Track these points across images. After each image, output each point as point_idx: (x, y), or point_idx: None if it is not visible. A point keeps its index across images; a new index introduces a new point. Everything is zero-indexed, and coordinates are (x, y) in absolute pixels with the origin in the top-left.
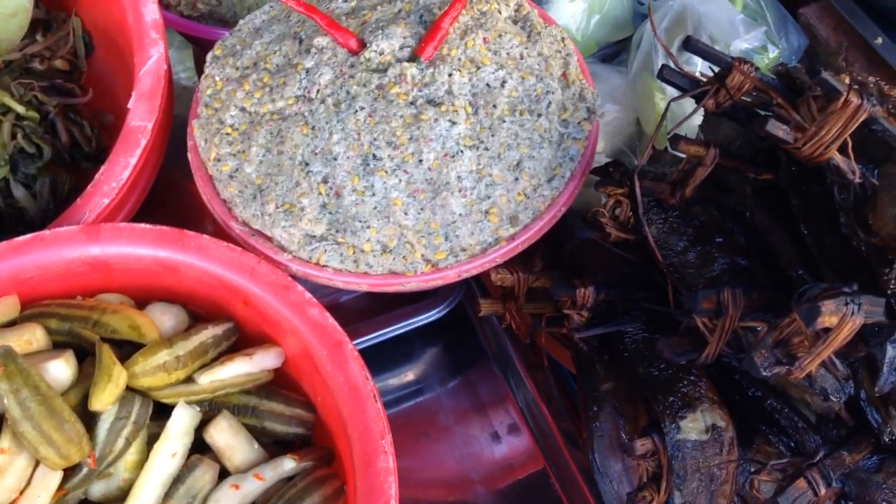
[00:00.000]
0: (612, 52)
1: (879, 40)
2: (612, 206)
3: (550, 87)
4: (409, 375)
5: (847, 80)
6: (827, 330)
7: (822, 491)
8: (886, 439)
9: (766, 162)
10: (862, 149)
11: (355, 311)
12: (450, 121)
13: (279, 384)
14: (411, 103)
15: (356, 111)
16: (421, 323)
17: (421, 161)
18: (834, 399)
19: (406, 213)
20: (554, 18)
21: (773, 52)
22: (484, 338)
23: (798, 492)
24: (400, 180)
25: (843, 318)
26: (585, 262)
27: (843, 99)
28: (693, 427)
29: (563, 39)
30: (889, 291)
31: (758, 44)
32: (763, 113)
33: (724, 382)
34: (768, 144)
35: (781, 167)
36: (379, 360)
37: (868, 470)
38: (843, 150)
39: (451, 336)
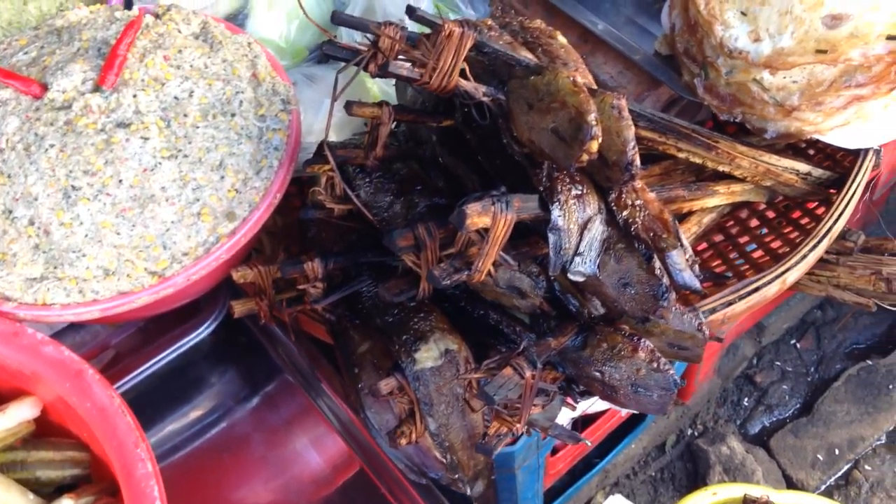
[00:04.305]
0: None
1: None
2: (326, 183)
3: (239, 87)
4: (205, 404)
5: (490, 20)
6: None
7: (528, 373)
8: (587, 317)
9: (445, 111)
10: (493, 73)
11: (128, 350)
12: (142, 137)
13: (47, 432)
14: (101, 130)
15: (46, 150)
16: (191, 343)
17: (121, 181)
18: (532, 295)
19: (118, 233)
20: (256, 28)
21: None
22: (272, 350)
23: (504, 378)
24: (104, 203)
25: (494, 216)
26: (322, 241)
27: (445, 31)
28: (428, 356)
29: (249, 44)
30: (541, 188)
31: (430, 13)
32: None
33: (455, 311)
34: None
35: (457, 112)
36: (166, 394)
37: (576, 349)
38: (465, 76)
39: (242, 356)
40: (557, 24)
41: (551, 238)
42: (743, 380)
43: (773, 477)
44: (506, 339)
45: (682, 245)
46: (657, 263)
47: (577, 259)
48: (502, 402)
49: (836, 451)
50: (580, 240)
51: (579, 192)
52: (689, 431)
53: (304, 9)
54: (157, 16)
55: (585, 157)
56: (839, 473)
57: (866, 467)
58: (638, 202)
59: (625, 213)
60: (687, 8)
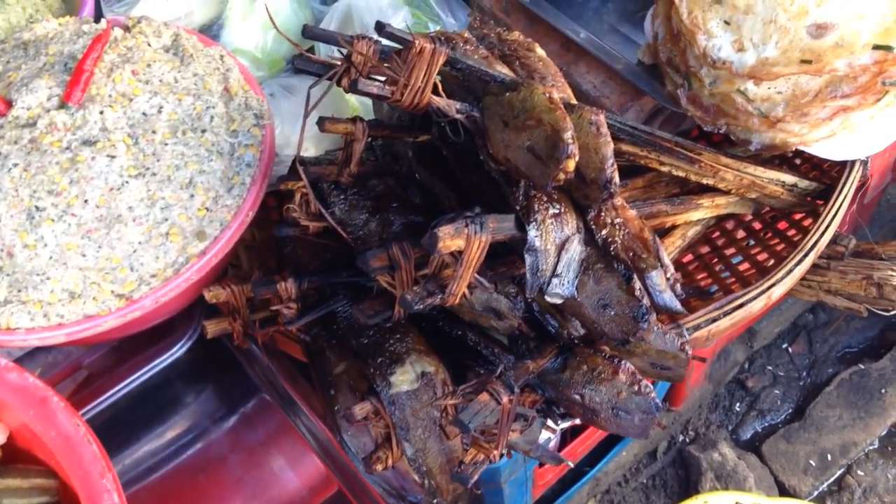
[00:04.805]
0: None
1: None
2: (300, 200)
3: (210, 102)
4: (181, 424)
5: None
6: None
7: (504, 399)
8: (567, 339)
9: (422, 126)
10: (468, 89)
11: (101, 370)
12: (108, 156)
13: (15, 458)
14: (66, 148)
15: (10, 169)
16: (166, 362)
17: (87, 201)
18: (510, 317)
19: (84, 255)
20: (231, 39)
21: (435, 29)
22: (250, 368)
23: (480, 405)
24: (69, 224)
25: (468, 239)
26: (298, 259)
27: (416, 48)
28: (404, 379)
29: (221, 57)
30: (518, 207)
31: (406, 23)
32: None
33: (433, 331)
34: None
35: (433, 127)
36: (141, 414)
37: (556, 371)
38: (438, 93)
39: (219, 374)
40: (539, 34)
41: (528, 259)
42: (734, 385)
43: (766, 483)
44: (485, 361)
45: (662, 265)
46: (637, 284)
47: (555, 280)
48: (479, 428)
49: (829, 457)
50: (557, 260)
51: (557, 211)
52: (681, 438)
53: (279, 20)
54: (126, 28)
55: (562, 176)
56: (832, 479)
57: (859, 473)
58: (617, 220)
59: (604, 231)
60: (670, 17)
